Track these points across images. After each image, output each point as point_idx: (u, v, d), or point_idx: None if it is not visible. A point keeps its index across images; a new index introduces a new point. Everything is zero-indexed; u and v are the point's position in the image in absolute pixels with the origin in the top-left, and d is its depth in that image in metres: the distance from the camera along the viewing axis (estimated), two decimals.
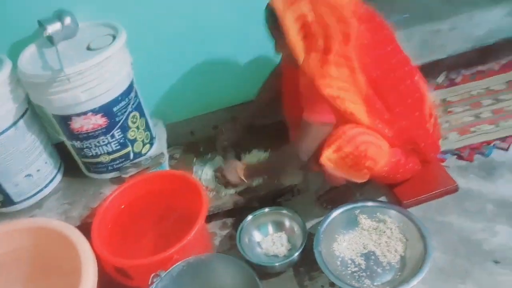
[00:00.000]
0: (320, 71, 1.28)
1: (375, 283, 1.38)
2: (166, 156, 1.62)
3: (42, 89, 1.36)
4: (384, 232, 1.49)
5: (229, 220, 1.67)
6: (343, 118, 1.35)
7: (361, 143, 1.33)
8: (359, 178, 1.44)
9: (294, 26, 1.28)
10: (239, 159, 1.75)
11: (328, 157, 1.36)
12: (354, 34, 1.29)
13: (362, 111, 1.35)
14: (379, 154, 1.38)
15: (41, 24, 1.40)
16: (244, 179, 1.59)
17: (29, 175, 1.49)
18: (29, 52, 1.46)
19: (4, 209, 1.52)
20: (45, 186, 1.55)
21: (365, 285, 1.38)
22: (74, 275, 1.20)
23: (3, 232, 1.38)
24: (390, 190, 1.61)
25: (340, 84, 1.30)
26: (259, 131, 1.84)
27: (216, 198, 1.63)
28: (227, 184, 1.63)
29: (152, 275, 1.19)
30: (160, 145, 1.68)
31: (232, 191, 1.64)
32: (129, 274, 1.30)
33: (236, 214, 1.64)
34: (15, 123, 1.41)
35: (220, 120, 1.91)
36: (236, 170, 1.60)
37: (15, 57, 1.44)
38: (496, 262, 1.39)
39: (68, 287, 1.20)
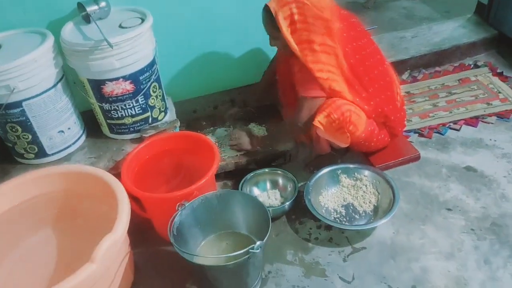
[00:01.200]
0: (313, 58, 1.61)
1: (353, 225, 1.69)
2: (179, 122, 1.88)
3: (83, 56, 1.60)
4: (361, 188, 1.80)
5: (229, 182, 1.93)
6: (331, 94, 1.68)
7: (346, 111, 1.65)
8: (343, 141, 1.74)
9: (285, 23, 1.61)
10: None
11: (320, 121, 1.67)
12: (335, 29, 1.63)
13: (345, 89, 1.68)
14: (359, 121, 1.71)
15: (81, 6, 1.67)
16: (258, 147, 1.89)
17: (61, 131, 1.70)
18: (69, 27, 1.70)
19: (37, 160, 1.72)
20: (73, 143, 1.77)
21: (347, 226, 1.69)
22: (107, 213, 1.39)
23: (38, 175, 1.56)
24: (365, 158, 1.94)
25: (329, 68, 1.63)
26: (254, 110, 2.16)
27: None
28: (239, 148, 1.91)
29: (178, 204, 1.45)
30: (171, 115, 1.94)
31: (234, 154, 1.91)
32: (154, 207, 1.56)
33: (235, 176, 1.90)
34: (55, 85, 1.64)
35: (219, 101, 2.20)
36: (251, 139, 1.90)
37: (55, 32, 1.67)
38: (449, 209, 1.74)
39: (102, 221, 1.39)
